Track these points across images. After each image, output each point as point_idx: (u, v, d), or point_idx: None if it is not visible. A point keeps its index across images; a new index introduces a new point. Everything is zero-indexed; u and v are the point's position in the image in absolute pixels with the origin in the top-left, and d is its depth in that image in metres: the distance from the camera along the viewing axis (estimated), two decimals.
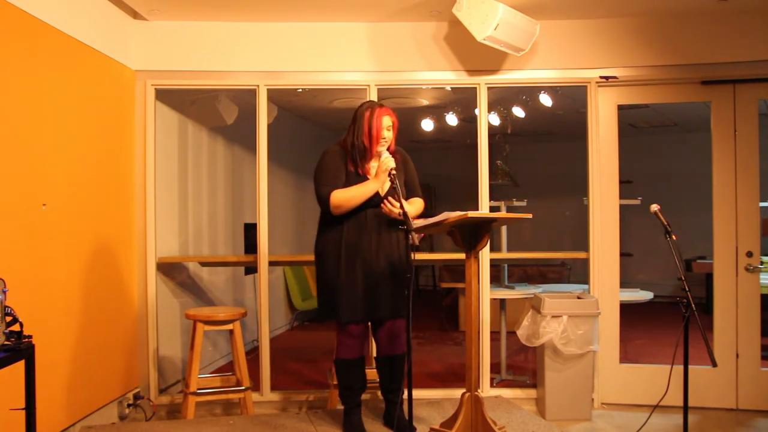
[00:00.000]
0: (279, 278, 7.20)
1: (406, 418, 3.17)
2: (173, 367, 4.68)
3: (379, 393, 3.98)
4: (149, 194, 4.30)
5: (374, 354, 3.50)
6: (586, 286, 4.47)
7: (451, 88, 5.14)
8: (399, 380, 3.45)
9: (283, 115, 6.34)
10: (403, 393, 3.45)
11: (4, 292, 2.35)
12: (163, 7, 4.06)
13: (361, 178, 3.28)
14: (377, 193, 3.27)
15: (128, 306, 4.20)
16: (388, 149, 3.35)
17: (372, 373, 3.81)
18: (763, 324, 4.26)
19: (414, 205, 3.41)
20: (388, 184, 3.26)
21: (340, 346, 3.36)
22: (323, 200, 3.24)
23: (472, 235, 3.20)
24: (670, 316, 4.11)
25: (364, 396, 4.04)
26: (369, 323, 3.40)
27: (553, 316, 4.00)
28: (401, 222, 3.12)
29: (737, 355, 4.22)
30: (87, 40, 3.70)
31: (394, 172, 3.17)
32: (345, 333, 3.33)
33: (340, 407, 3.57)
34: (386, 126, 3.30)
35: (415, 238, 2.90)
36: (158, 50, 4.30)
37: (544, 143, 9.50)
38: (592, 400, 4.17)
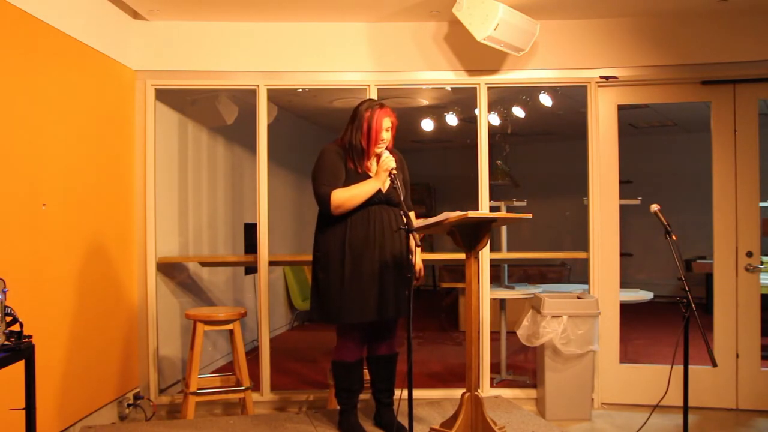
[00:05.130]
0: (279, 278, 7.20)
1: (405, 417, 3.17)
2: (173, 367, 4.68)
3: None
4: (149, 194, 4.30)
5: (365, 354, 3.48)
6: (586, 286, 4.47)
7: (451, 88, 5.13)
8: (393, 380, 3.45)
9: (283, 115, 6.34)
10: (393, 394, 3.46)
11: (4, 292, 2.35)
12: (163, 7, 4.06)
13: (361, 176, 3.26)
14: (379, 192, 3.26)
15: (128, 306, 4.20)
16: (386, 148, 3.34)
17: (368, 373, 3.81)
18: (763, 324, 4.26)
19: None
20: (388, 183, 3.26)
21: (342, 349, 3.34)
22: (323, 200, 3.20)
23: (472, 235, 3.20)
24: (670, 316, 4.10)
25: (363, 396, 4.04)
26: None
27: (553, 316, 4.00)
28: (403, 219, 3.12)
29: (737, 355, 4.22)
30: (87, 40, 3.70)
31: (395, 172, 3.17)
32: (349, 335, 3.32)
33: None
34: (386, 127, 3.28)
35: (417, 237, 2.90)
36: (158, 50, 4.30)
37: (544, 143, 9.50)
38: (592, 400, 4.17)
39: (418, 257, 3.46)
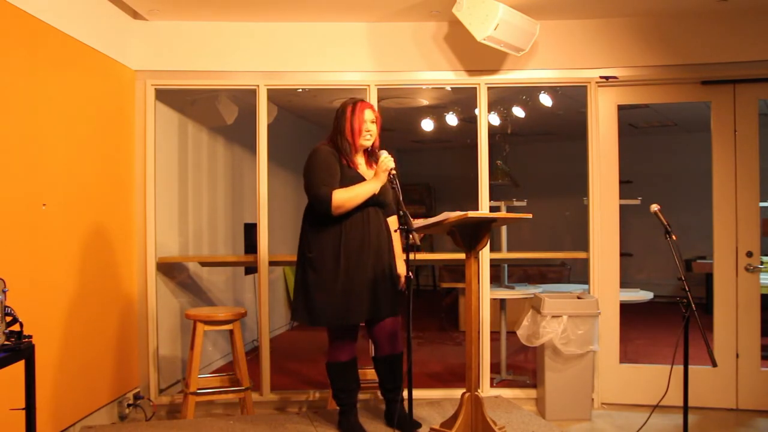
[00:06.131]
0: (279, 278, 7.20)
1: (407, 415, 3.17)
2: (173, 367, 4.68)
3: (378, 393, 3.98)
4: (149, 194, 4.30)
5: (372, 354, 3.48)
6: (586, 286, 4.47)
7: (451, 88, 5.13)
8: (400, 379, 3.45)
9: (283, 115, 6.33)
10: (402, 391, 3.46)
11: (4, 292, 2.35)
12: (163, 7, 4.06)
13: (353, 171, 3.26)
14: (372, 194, 3.26)
15: (128, 306, 4.20)
16: (373, 146, 3.34)
17: (369, 373, 3.81)
18: (763, 324, 4.26)
19: (393, 225, 3.40)
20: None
21: (336, 350, 3.32)
22: (323, 200, 3.15)
23: (472, 235, 3.20)
24: (670, 316, 4.10)
25: (363, 396, 4.04)
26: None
27: (553, 316, 4.00)
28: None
29: (737, 355, 4.22)
30: (87, 40, 3.70)
31: (394, 171, 3.17)
32: (342, 336, 3.31)
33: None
34: (369, 119, 3.29)
35: (416, 237, 2.90)
36: (158, 50, 4.30)
37: (544, 143, 9.50)
38: (592, 400, 4.17)
39: (401, 262, 3.42)
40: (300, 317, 3.30)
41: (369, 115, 3.30)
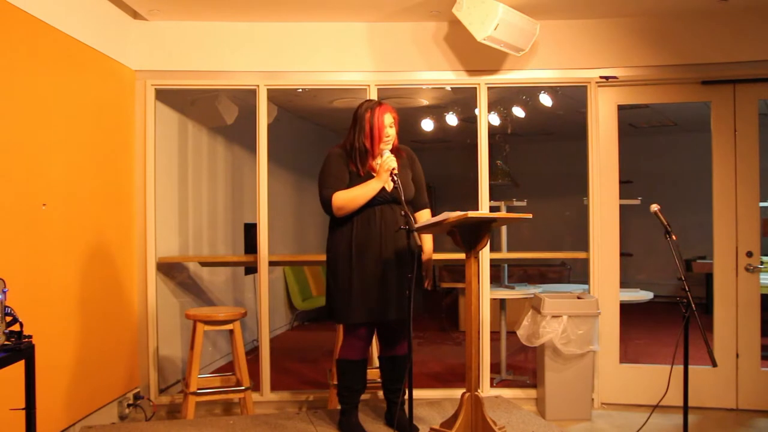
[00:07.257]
0: (279, 278, 7.20)
1: (407, 417, 3.17)
2: (173, 367, 4.68)
3: (379, 393, 3.98)
4: (149, 194, 4.30)
5: (377, 354, 3.49)
6: (586, 286, 4.47)
7: (451, 88, 5.14)
8: (402, 380, 3.45)
9: (283, 115, 6.34)
10: (404, 394, 3.46)
11: (4, 292, 2.35)
12: (163, 7, 4.06)
13: (364, 178, 3.27)
14: (384, 190, 3.26)
15: (128, 306, 4.20)
16: (393, 145, 3.35)
17: (372, 374, 3.80)
18: (763, 324, 4.26)
19: (422, 218, 3.44)
20: (390, 184, 3.26)
21: (347, 348, 3.35)
22: (326, 203, 3.24)
23: (472, 235, 3.20)
24: (670, 316, 4.11)
25: (364, 396, 4.04)
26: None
27: (553, 316, 4.00)
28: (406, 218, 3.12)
29: (737, 355, 4.22)
30: (87, 40, 3.70)
31: (395, 171, 3.17)
32: (354, 334, 3.33)
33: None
34: (388, 124, 3.30)
35: (417, 237, 2.90)
36: (158, 50, 4.30)
37: (544, 143, 9.50)
38: (592, 400, 4.17)
39: (427, 257, 3.45)
40: (327, 315, 3.39)
41: (388, 119, 3.30)
